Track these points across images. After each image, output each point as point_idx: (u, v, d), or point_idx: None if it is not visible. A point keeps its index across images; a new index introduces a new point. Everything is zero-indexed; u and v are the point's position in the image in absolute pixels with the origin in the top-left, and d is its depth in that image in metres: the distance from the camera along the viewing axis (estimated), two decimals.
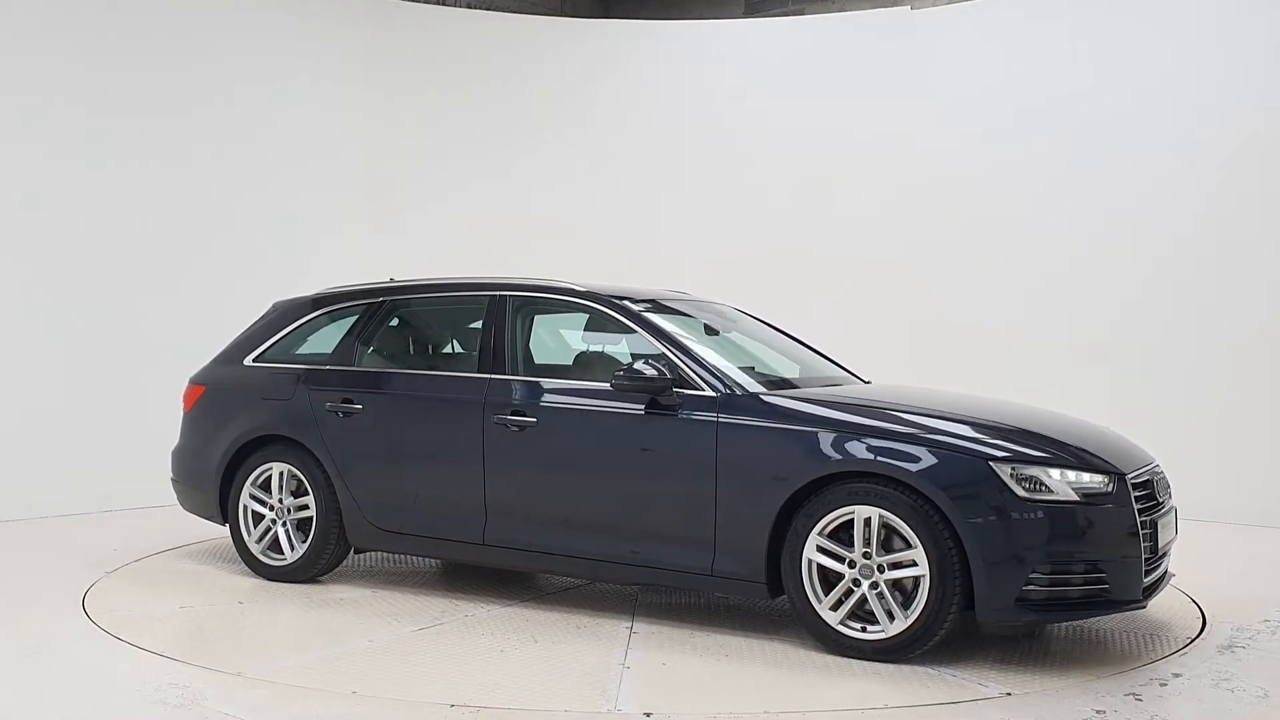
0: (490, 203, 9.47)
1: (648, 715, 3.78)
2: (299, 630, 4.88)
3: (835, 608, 4.40)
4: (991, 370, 8.16)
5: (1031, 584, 4.17)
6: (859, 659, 4.35)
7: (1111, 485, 4.34)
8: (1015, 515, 4.19)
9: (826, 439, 4.48)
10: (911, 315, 8.81)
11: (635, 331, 5.11)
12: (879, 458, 4.36)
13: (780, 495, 4.48)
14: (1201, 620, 5.08)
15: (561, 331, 5.66)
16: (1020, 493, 4.22)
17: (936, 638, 4.27)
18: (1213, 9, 8.09)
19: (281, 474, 5.63)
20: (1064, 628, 4.90)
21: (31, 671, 4.25)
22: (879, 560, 4.33)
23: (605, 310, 5.21)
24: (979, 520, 4.19)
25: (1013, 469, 4.26)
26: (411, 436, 5.38)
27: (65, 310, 7.58)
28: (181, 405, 6.10)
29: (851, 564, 4.37)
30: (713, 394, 4.72)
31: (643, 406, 4.80)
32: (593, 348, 5.50)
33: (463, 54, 9.57)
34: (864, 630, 4.36)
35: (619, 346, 5.36)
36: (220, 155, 8.42)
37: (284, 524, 5.63)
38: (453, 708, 3.81)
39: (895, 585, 4.33)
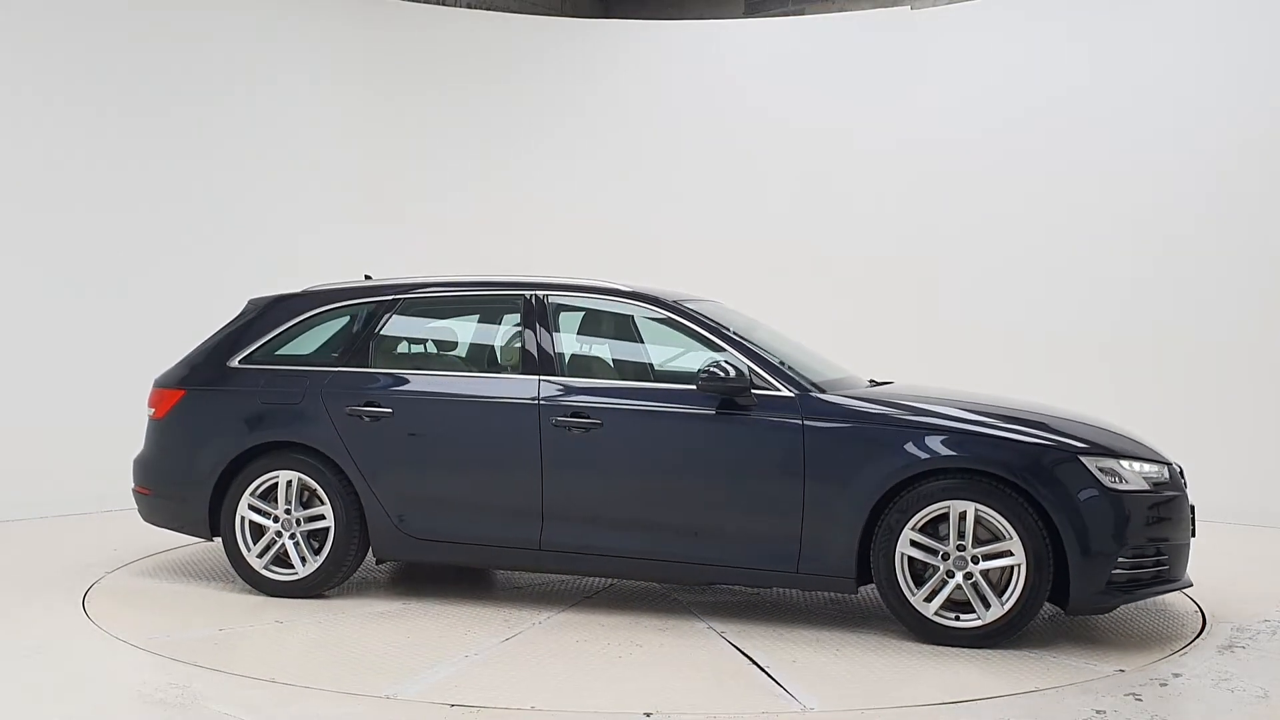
0: (489, 202, 9.47)
1: (648, 715, 3.79)
2: (391, 647, 4.54)
3: (929, 599, 4.57)
4: (992, 369, 8.13)
5: (1118, 568, 4.49)
6: (953, 646, 4.53)
7: (1167, 474, 4.73)
8: (1103, 505, 4.49)
9: (917, 437, 4.65)
10: (911, 314, 8.81)
11: (697, 333, 5.09)
12: (977, 454, 4.58)
13: (875, 492, 4.61)
14: (1201, 620, 5.08)
15: (608, 331, 5.50)
16: (1106, 483, 4.52)
17: (1029, 623, 4.52)
18: (1213, 8, 8.09)
19: (289, 483, 5.26)
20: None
21: (31, 671, 4.24)
22: (973, 552, 4.52)
23: (660, 311, 5.20)
24: (1073, 511, 4.46)
25: (1095, 461, 4.56)
26: (453, 441, 5.13)
27: (65, 309, 7.59)
28: (149, 410, 5.65)
29: (945, 556, 4.55)
30: (789, 394, 4.81)
31: (714, 407, 4.83)
32: (647, 348, 5.45)
33: (463, 54, 9.57)
34: (957, 619, 4.56)
35: (676, 346, 5.33)
36: (220, 156, 8.42)
37: (292, 536, 5.27)
38: (453, 707, 3.81)
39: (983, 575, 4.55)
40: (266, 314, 5.64)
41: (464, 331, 5.73)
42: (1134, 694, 4.03)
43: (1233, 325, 7.83)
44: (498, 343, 5.58)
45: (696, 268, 8.69)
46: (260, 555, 5.30)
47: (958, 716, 3.83)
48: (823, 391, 4.87)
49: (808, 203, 9.26)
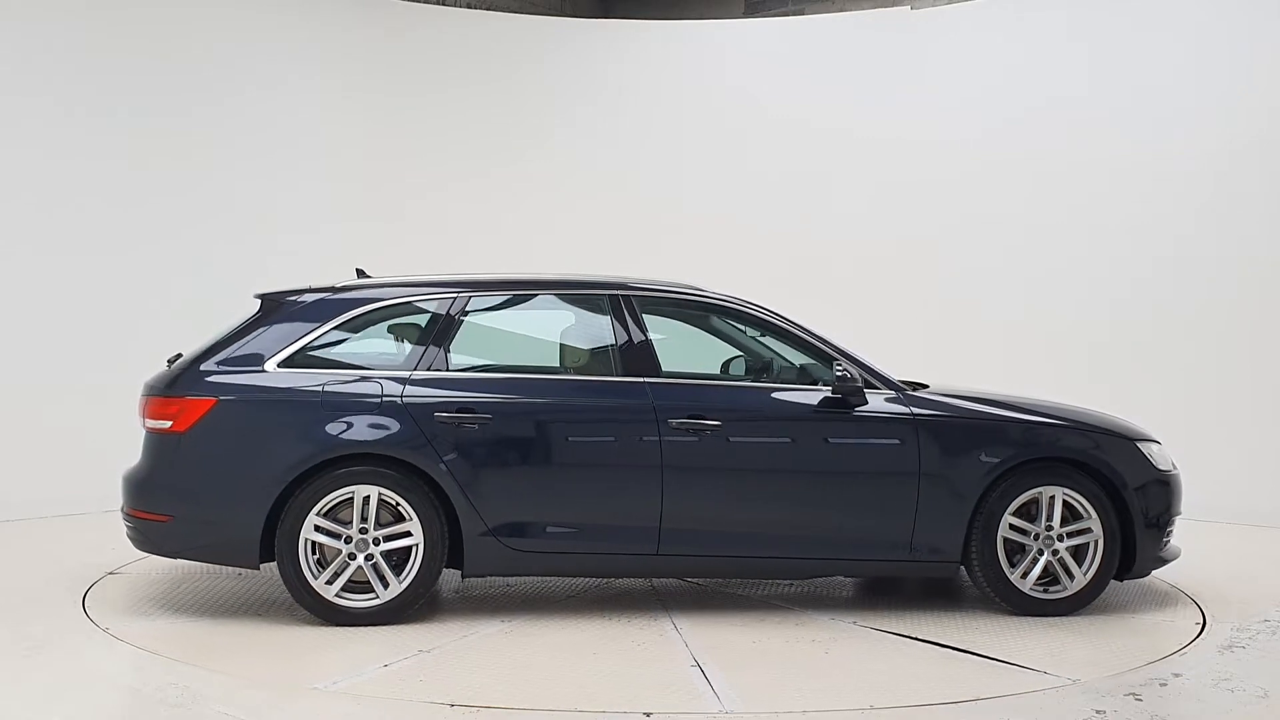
0: (490, 201, 9.46)
1: (648, 715, 3.79)
2: (592, 666, 4.32)
3: (1024, 575, 5.06)
4: (991, 367, 8.12)
5: (1163, 539, 5.20)
6: (1044, 615, 5.04)
7: (1169, 456, 5.38)
8: (1156, 484, 5.18)
9: (1013, 430, 5.13)
10: (909, 313, 8.81)
11: (792, 335, 5.23)
12: (1069, 445, 5.14)
13: (984, 481, 5.02)
14: (1201, 620, 5.09)
15: (699, 334, 5.54)
16: (1154, 465, 5.20)
17: (1102, 591, 5.12)
18: (1212, 8, 8.09)
19: (367, 498, 4.78)
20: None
21: (31, 671, 4.24)
22: (1059, 531, 5.07)
23: (750, 314, 5.30)
24: (1140, 491, 5.11)
25: (1144, 447, 5.24)
26: (563, 446, 4.96)
27: (64, 308, 7.58)
28: (158, 423, 4.92)
29: (1036, 536, 5.07)
30: (891, 394, 5.12)
31: (828, 407, 5.05)
32: (739, 350, 5.51)
33: (463, 54, 9.57)
34: (1045, 591, 5.09)
35: (766, 349, 5.42)
36: (218, 154, 8.41)
37: (369, 557, 4.78)
38: (453, 707, 3.81)
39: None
40: (302, 312, 5.06)
41: (548, 331, 5.50)
42: (1134, 694, 4.03)
43: (1232, 325, 7.83)
44: (591, 344, 5.35)
45: (696, 266, 8.66)
46: (329, 581, 4.78)
47: (959, 716, 3.83)
48: (928, 391, 5.22)
49: (807, 202, 9.26)
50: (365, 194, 9.17)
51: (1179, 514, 5.31)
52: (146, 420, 5.00)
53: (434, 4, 9.68)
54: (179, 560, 6.01)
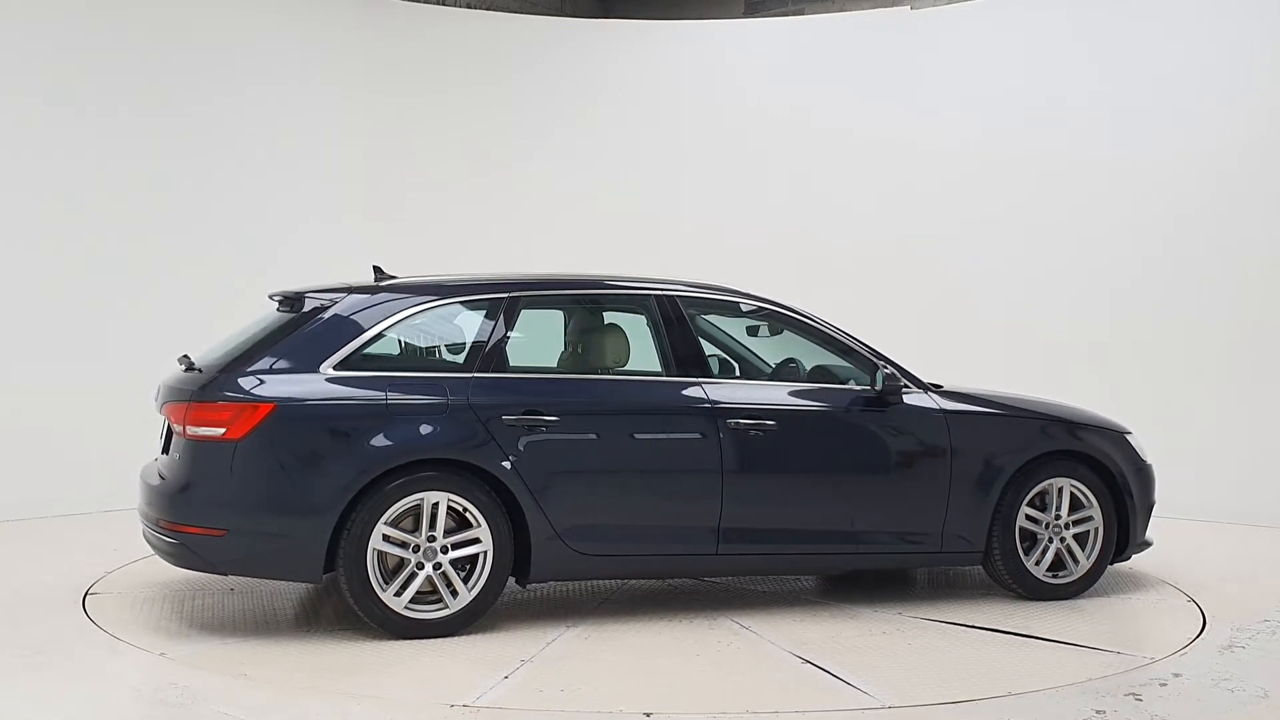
0: (490, 202, 9.46)
1: (648, 715, 3.79)
2: (736, 675, 4.23)
3: (1038, 563, 5.35)
4: (990, 366, 8.13)
5: (1148, 524, 5.56)
6: (1054, 600, 5.32)
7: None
8: (1144, 473, 5.56)
9: (1033, 427, 5.44)
10: (908, 313, 8.80)
11: (829, 337, 5.39)
12: (1080, 438, 5.46)
13: (1006, 473, 5.29)
14: (1201, 620, 5.08)
15: (738, 335, 5.62)
16: (1141, 456, 5.58)
17: (1103, 575, 5.45)
18: (1213, 8, 8.09)
19: (435, 505, 4.60)
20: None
21: (31, 671, 4.24)
22: (1067, 519, 5.38)
23: (786, 314, 5.43)
24: (1135, 481, 5.49)
25: (1132, 439, 5.60)
26: (629, 448, 4.94)
27: (65, 309, 7.58)
28: (207, 429, 4.56)
29: (1047, 525, 5.37)
30: (920, 392, 5.33)
31: (870, 405, 5.23)
32: (783, 351, 5.60)
33: (463, 54, 9.57)
34: (1055, 576, 5.38)
35: (806, 349, 5.51)
36: (218, 155, 8.41)
37: (437, 566, 4.59)
38: (452, 708, 3.81)
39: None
40: (348, 313, 4.81)
41: (600, 332, 5.44)
42: (1134, 694, 4.03)
43: (1232, 325, 7.83)
44: (644, 345, 5.28)
45: (696, 266, 8.66)
46: (398, 593, 4.56)
47: (959, 716, 3.83)
48: (947, 388, 5.44)
49: (807, 203, 9.25)
50: (365, 193, 9.17)
51: (1155, 501, 5.65)
52: (188, 427, 4.60)
53: (434, 4, 9.68)
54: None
